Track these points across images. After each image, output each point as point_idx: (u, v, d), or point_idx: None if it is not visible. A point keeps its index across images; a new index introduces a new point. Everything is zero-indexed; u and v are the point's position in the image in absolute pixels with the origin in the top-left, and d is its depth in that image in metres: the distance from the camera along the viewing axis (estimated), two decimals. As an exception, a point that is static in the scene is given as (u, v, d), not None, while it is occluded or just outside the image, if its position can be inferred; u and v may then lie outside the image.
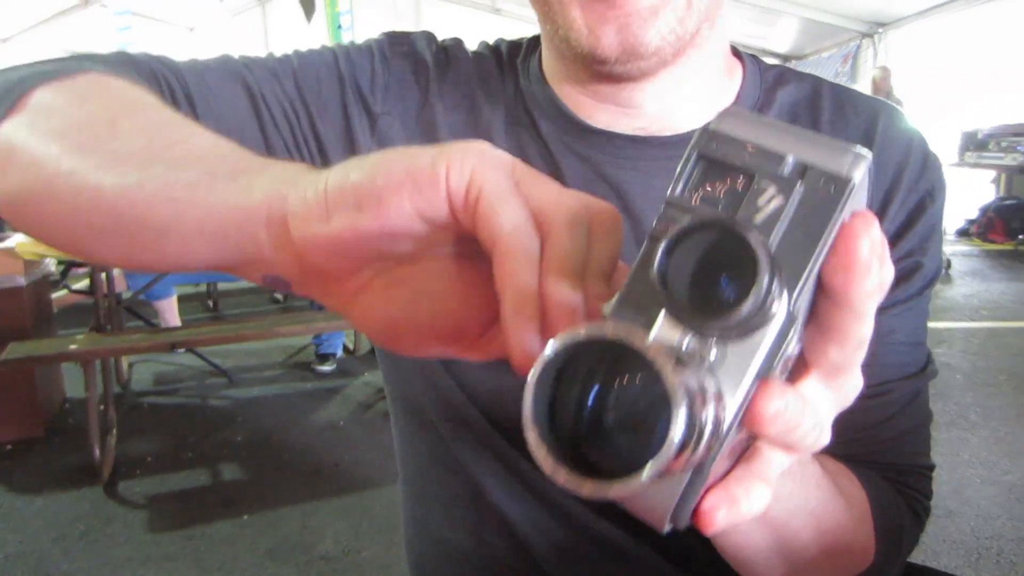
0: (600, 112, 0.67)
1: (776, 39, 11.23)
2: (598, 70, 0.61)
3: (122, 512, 2.75)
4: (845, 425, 0.63)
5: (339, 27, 9.86)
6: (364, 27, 11.21)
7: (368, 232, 0.32)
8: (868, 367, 0.63)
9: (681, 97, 0.65)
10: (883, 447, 0.65)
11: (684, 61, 0.62)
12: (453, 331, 0.37)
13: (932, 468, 0.70)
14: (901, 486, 0.67)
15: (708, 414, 0.27)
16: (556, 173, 0.66)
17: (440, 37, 0.77)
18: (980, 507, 2.61)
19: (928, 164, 0.66)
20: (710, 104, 0.67)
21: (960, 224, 7.81)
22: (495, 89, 0.72)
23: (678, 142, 0.65)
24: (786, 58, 10.53)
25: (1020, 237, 7.27)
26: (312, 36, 10.66)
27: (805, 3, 9.70)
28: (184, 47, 13.11)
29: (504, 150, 0.36)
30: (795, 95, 0.68)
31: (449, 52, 0.74)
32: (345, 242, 0.32)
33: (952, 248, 7.30)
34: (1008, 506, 2.63)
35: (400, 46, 0.73)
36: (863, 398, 0.63)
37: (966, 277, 6.15)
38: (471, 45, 0.76)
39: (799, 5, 9.78)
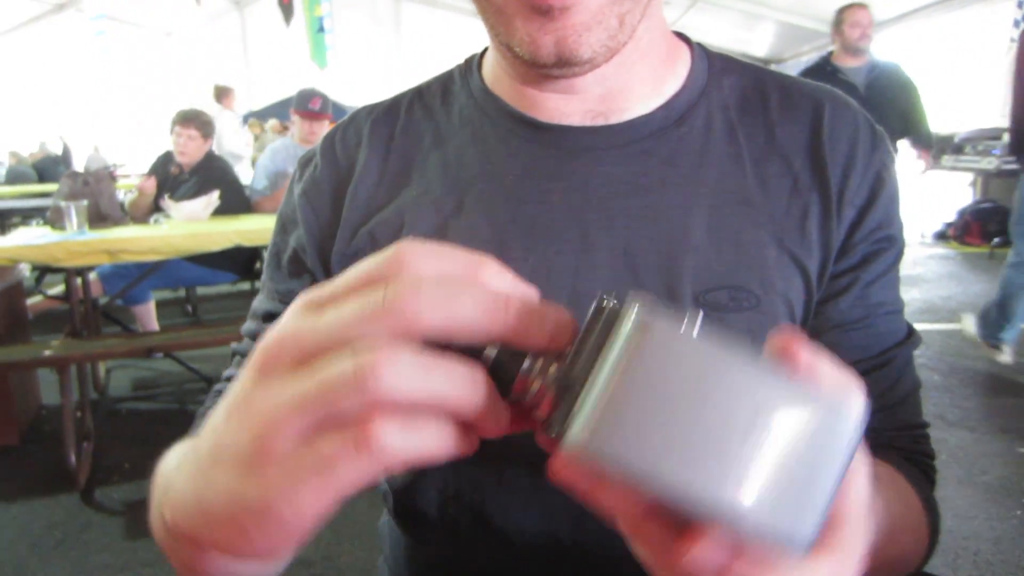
0: (548, 100, 0.69)
1: (756, 43, 11.35)
2: (536, 72, 0.65)
3: (99, 519, 2.72)
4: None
5: (320, 30, 9.83)
6: (344, 29, 11.17)
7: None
8: (868, 339, 0.67)
9: (626, 79, 0.68)
10: (895, 411, 0.69)
11: (621, 52, 0.65)
12: None
13: (928, 426, 0.74)
14: (915, 454, 0.71)
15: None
16: (519, 174, 0.69)
17: (369, 105, 0.79)
18: (957, 507, 2.64)
19: (877, 137, 0.69)
20: (656, 87, 0.69)
21: (937, 227, 7.89)
22: (419, 130, 0.74)
23: (628, 128, 0.68)
24: (766, 62, 10.62)
25: (996, 240, 7.37)
26: (291, 39, 10.60)
27: (783, 7, 9.80)
28: (161, 51, 13.00)
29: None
30: (742, 83, 0.71)
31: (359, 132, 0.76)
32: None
33: (930, 251, 7.38)
34: (985, 506, 2.66)
35: (305, 168, 0.77)
36: (873, 369, 0.68)
37: (943, 280, 6.21)
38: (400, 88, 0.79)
39: (778, 9, 9.87)
